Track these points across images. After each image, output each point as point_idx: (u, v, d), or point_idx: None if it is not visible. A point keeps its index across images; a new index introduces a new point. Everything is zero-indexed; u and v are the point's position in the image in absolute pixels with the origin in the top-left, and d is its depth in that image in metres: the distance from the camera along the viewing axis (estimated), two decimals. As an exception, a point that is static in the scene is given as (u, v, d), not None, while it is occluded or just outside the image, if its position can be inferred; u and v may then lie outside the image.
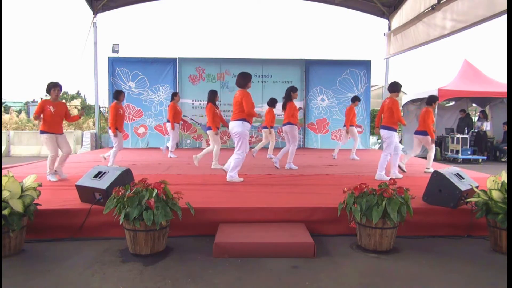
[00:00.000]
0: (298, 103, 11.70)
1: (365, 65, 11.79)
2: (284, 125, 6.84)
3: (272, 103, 8.33)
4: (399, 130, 16.80)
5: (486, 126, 12.45)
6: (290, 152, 6.83)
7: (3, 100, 19.11)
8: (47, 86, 5.42)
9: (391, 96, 5.81)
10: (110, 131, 6.95)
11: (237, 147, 5.31)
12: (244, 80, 5.30)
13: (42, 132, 5.43)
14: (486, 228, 3.46)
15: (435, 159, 11.29)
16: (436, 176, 3.96)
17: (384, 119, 5.77)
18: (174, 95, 8.89)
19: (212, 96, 6.77)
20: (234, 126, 5.28)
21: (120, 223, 3.08)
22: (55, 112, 5.40)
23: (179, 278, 2.73)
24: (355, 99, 8.96)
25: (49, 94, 5.45)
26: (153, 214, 3.00)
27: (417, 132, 6.76)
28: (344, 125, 9.02)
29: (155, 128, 11.50)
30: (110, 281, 2.68)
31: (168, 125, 8.80)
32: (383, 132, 5.74)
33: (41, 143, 12.72)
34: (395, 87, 5.80)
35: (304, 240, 3.24)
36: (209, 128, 6.72)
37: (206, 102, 6.87)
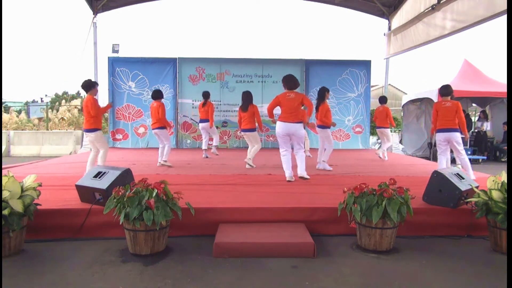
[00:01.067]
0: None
1: (365, 65, 11.79)
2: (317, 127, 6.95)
3: None
4: (399, 130, 16.84)
5: (486, 126, 12.46)
6: (326, 152, 6.89)
7: (3, 100, 19.11)
8: (91, 84, 5.68)
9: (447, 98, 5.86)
10: (164, 130, 7.16)
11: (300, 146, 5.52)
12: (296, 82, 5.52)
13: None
14: (486, 228, 3.46)
15: (435, 159, 11.34)
16: (436, 176, 3.96)
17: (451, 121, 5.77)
18: (209, 95, 8.77)
19: (251, 97, 6.98)
20: (298, 128, 5.41)
21: (120, 223, 3.08)
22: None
23: (179, 278, 2.73)
24: (385, 100, 8.80)
25: (90, 92, 5.65)
26: (153, 214, 3.00)
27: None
28: (381, 126, 8.75)
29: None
30: (110, 281, 2.68)
31: (206, 125, 8.65)
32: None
33: (41, 143, 12.79)
34: (449, 90, 5.85)
35: (304, 240, 3.24)
36: (253, 130, 6.93)
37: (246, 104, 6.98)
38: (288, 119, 5.37)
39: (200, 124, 8.77)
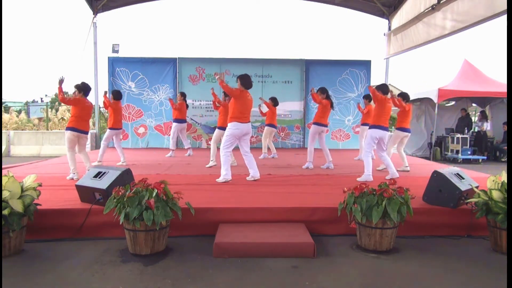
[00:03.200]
0: (298, 103, 11.75)
1: (365, 65, 11.78)
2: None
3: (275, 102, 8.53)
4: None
5: (486, 126, 12.43)
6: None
7: (3, 100, 19.10)
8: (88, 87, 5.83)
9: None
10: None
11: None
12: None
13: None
14: (486, 228, 3.46)
15: (435, 159, 11.34)
16: (436, 176, 3.96)
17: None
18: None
19: None
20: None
21: (120, 223, 3.08)
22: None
23: (179, 278, 2.73)
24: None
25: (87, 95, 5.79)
26: (153, 214, 3.00)
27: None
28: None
29: (155, 128, 11.50)
30: (110, 281, 2.68)
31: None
32: None
33: (41, 143, 12.77)
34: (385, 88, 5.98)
35: (304, 240, 3.24)
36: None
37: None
38: (247, 120, 5.43)
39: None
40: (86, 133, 5.76)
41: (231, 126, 5.33)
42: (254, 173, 5.46)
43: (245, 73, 5.54)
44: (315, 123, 6.90)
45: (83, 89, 5.70)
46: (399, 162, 6.84)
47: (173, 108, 8.80)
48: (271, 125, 8.52)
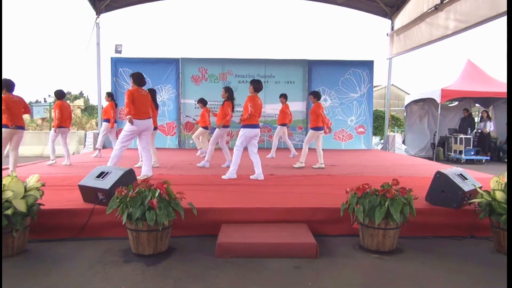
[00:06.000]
0: (300, 103, 11.75)
1: (368, 65, 11.78)
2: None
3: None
4: (402, 130, 16.79)
5: (490, 126, 12.41)
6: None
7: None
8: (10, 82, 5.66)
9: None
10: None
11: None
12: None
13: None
14: (489, 228, 3.44)
15: (438, 159, 11.31)
16: (439, 177, 3.94)
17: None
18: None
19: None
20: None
21: (123, 223, 3.08)
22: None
23: (182, 278, 2.74)
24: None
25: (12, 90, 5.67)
26: (155, 214, 3.00)
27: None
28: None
29: (158, 128, 11.52)
30: (112, 281, 2.69)
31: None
32: None
33: (44, 143, 12.81)
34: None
35: (307, 240, 3.23)
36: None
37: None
38: (146, 116, 5.51)
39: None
40: (23, 128, 5.72)
41: (132, 123, 5.39)
42: (147, 171, 5.49)
43: (137, 71, 5.63)
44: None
45: (5, 85, 5.59)
46: (315, 159, 7.27)
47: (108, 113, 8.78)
48: (205, 127, 8.60)
